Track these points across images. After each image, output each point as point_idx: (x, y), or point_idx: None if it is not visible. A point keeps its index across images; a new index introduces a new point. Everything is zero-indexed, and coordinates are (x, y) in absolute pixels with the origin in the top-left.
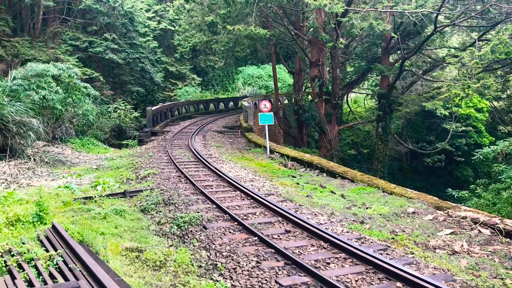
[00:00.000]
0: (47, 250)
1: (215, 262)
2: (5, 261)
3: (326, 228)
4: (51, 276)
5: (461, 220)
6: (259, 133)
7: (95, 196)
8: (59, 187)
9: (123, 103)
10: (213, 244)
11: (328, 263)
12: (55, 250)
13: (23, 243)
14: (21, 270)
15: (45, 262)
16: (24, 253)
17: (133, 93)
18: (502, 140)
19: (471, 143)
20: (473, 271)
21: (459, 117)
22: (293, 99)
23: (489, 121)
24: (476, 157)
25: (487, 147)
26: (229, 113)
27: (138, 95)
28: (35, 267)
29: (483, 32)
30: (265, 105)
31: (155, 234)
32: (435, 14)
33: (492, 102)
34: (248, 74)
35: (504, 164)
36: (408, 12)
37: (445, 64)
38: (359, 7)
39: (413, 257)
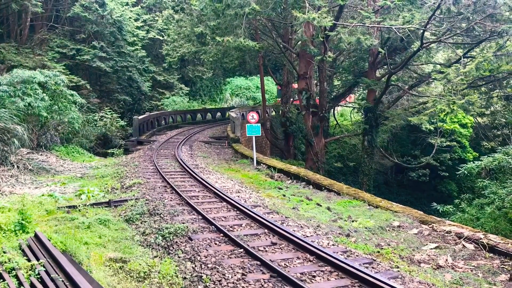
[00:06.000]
0: (29, 260)
1: (200, 274)
2: None
3: (312, 241)
4: (32, 286)
5: (446, 234)
6: (246, 144)
7: (79, 205)
8: (42, 195)
9: (110, 111)
10: (199, 255)
11: (314, 276)
12: (37, 259)
13: (4, 252)
14: (1, 280)
15: (27, 272)
16: (5, 262)
17: (120, 102)
18: (486, 156)
19: (455, 158)
20: (457, 286)
21: (444, 132)
22: (280, 111)
23: (473, 136)
24: (460, 172)
25: (471, 162)
26: (217, 123)
27: (125, 103)
28: (16, 277)
29: (468, 49)
30: (253, 116)
31: (140, 245)
32: (421, 31)
33: (476, 118)
34: (236, 85)
35: (488, 180)
36: (395, 28)
37: (431, 80)
38: (347, 21)
39: (398, 271)
